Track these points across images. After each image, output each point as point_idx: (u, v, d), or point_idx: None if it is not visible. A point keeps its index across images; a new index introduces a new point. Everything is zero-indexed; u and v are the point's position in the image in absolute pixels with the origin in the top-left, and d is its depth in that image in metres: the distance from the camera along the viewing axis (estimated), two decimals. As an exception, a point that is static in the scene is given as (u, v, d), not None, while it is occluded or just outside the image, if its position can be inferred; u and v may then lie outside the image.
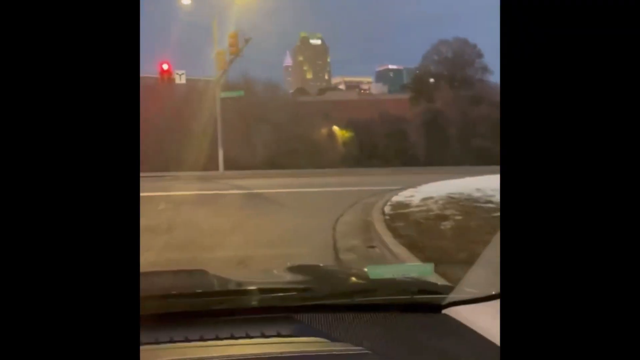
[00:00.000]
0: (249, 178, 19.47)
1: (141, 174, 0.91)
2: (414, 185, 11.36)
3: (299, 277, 1.44)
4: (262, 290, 1.22)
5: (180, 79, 21.50)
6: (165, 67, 21.37)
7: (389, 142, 30.32)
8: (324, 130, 30.59)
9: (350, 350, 0.97)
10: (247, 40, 20.99)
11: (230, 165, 24.76)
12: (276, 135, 27.80)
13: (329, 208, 8.94)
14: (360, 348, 0.98)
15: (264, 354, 0.94)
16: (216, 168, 22.94)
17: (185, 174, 23.82)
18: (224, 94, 23.74)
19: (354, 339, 1.01)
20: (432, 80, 39.15)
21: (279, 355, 0.95)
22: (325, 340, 1.02)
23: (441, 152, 28.90)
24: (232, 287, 1.33)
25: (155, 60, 21.64)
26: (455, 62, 38.90)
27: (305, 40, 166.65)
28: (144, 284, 1.28)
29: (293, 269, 1.52)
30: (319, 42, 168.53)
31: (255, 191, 12.58)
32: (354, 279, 1.47)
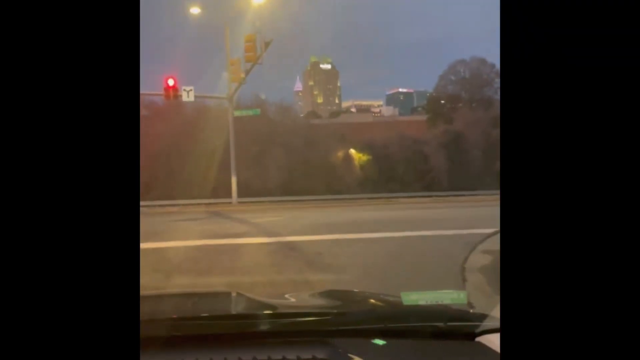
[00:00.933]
0: (269, 211, 16.27)
1: (142, 204, 0.78)
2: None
3: (334, 302, 1.52)
4: (298, 314, 1.26)
5: (188, 96, 19.03)
6: (171, 82, 19.00)
7: (407, 165, 28.94)
8: (340, 154, 29.27)
9: None
10: (267, 44, 17.99)
11: (242, 190, 23.46)
12: (290, 158, 26.55)
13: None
14: None
15: None
16: (228, 194, 21.06)
17: (194, 204, 22.40)
18: (238, 112, 21.64)
19: None
20: (449, 100, 38.00)
21: None
22: None
23: (464, 176, 27.42)
24: (268, 310, 1.38)
25: (161, 75, 19.41)
26: (473, 82, 37.75)
27: (315, 65, 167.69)
28: (181, 305, 1.52)
29: (328, 294, 1.57)
30: (329, 66, 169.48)
31: (288, 239, 8.21)
32: (387, 305, 1.49)
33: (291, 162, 26.43)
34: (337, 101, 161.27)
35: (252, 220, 12.24)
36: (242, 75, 19.15)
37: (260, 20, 19.15)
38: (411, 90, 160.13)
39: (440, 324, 1.17)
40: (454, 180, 27.72)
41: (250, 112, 22.53)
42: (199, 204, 22.13)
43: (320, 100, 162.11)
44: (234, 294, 1.64)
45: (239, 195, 22.48)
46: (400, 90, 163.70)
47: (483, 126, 30.14)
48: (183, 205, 21.95)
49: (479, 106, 34.33)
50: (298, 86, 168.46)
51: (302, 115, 41.58)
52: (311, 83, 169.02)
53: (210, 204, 22.00)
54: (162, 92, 19.24)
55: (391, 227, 9.80)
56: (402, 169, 28.79)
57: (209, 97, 23.81)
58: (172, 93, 18.96)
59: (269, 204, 21.47)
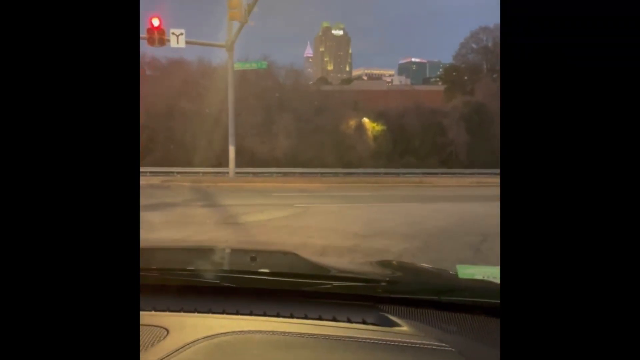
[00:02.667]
0: (273, 195, 11.75)
1: None
2: None
3: (387, 271, 1.44)
4: (351, 279, 1.25)
5: (177, 41, 15.04)
6: (155, 22, 14.91)
7: (424, 137, 27.05)
8: (352, 122, 27.34)
9: (432, 345, 0.97)
10: None
11: (245, 158, 21.73)
12: (299, 126, 24.69)
13: None
14: (443, 344, 0.97)
15: (349, 337, 0.97)
16: (227, 164, 18.88)
17: (189, 172, 20.36)
18: (240, 65, 17.58)
19: (437, 335, 1.00)
20: (469, 69, 35.78)
21: (363, 340, 0.97)
22: (409, 332, 1.01)
23: (485, 151, 25.52)
24: (323, 272, 1.38)
25: (144, 14, 14.71)
26: (497, 51, 35.39)
27: (327, 31, 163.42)
28: (240, 260, 1.57)
29: (382, 263, 1.52)
30: (341, 32, 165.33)
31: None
32: (442, 278, 1.44)
33: (300, 129, 24.63)
34: (347, 69, 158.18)
35: (245, 219, 7.49)
36: (244, 12, 14.83)
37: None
38: (424, 61, 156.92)
39: (496, 301, 1.09)
40: (474, 155, 25.86)
41: (254, 65, 18.40)
42: (193, 172, 20.45)
43: (330, 67, 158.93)
44: (291, 255, 1.69)
45: (242, 163, 20.69)
46: (413, 60, 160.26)
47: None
48: (175, 173, 20.19)
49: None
50: (308, 51, 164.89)
51: (311, 82, 39.27)
52: (322, 49, 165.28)
53: (205, 173, 20.24)
54: (144, 35, 15.04)
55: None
56: (418, 141, 26.94)
57: (204, 43, 18.64)
58: (157, 36, 14.90)
59: (273, 179, 19.55)
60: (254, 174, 20.83)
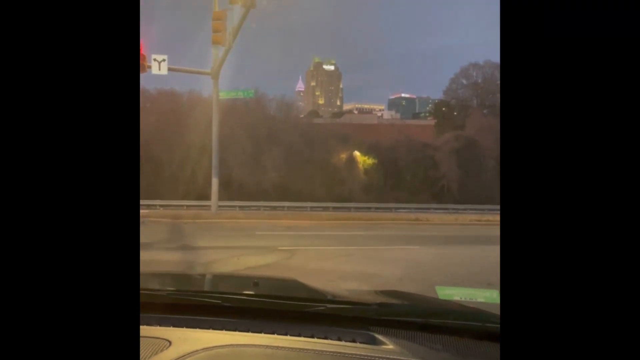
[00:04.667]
0: (261, 230, 10.50)
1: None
2: None
3: (380, 296, 1.54)
4: (344, 302, 1.34)
5: (159, 67, 13.96)
6: None
7: (415, 171, 26.80)
8: (343, 155, 27.06)
9: None
10: None
11: (233, 191, 21.20)
12: (290, 158, 24.31)
13: None
14: None
15: (339, 353, 1.04)
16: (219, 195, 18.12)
17: (170, 205, 19.68)
18: (225, 94, 16.58)
19: (423, 354, 1.05)
20: (459, 104, 35.98)
21: (352, 356, 1.03)
22: (396, 350, 1.06)
23: (478, 185, 25.24)
24: (318, 295, 1.48)
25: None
26: (486, 87, 35.63)
27: (318, 66, 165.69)
28: (246, 284, 1.65)
29: (375, 292, 1.63)
30: (332, 67, 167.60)
31: None
32: (430, 302, 1.53)
33: (290, 162, 24.24)
34: (338, 103, 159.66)
35: (213, 270, 6.22)
36: (227, 36, 13.93)
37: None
38: (414, 96, 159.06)
39: (479, 325, 1.15)
40: (466, 190, 25.56)
41: (240, 94, 17.63)
42: (177, 205, 19.78)
43: (321, 100, 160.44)
44: (290, 281, 1.83)
45: (230, 196, 20.17)
46: (403, 95, 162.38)
47: (496, 133, 28.01)
48: (157, 206, 19.41)
49: (492, 112, 32.21)
50: (300, 85, 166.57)
51: (302, 115, 39.06)
52: (313, 83, 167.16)
53: (190, 206, 19.54)
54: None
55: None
56: (409, 175, 26.65)
57: (187, 70, 17.43)
58: (138, 61, 14.28)
59: (259, 214, 18.85)
60: (240, 207, 20.20)
